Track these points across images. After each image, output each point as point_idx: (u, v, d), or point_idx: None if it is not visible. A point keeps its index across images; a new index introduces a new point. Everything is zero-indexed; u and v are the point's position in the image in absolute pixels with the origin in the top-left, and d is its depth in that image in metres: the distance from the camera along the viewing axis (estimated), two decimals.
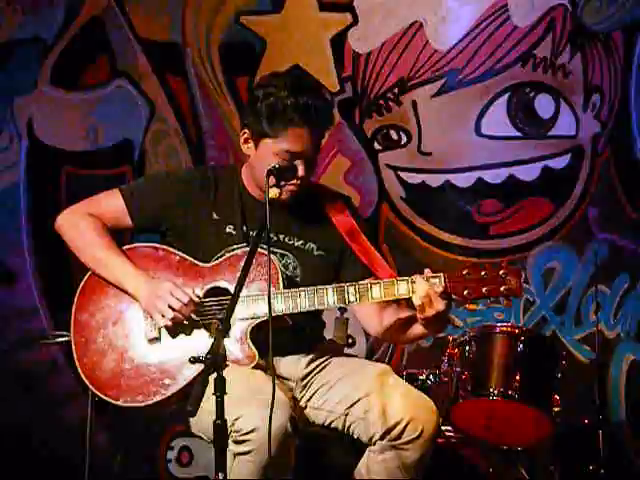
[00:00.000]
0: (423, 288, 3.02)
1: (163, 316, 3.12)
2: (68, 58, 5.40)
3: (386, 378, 3.16)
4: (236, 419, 2.91)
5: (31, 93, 5.38)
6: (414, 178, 5.26)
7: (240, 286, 2.80)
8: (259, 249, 2.98)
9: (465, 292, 3.03)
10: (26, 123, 5.38)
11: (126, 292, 3.20)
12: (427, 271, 3.08)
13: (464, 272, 3.04)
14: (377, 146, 5.28)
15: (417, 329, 3.20)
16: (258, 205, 3.17)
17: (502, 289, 3.02)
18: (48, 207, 5.30)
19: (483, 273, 3.03)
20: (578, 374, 4.46)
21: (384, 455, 3.07)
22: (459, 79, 5.17)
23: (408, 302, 3.12)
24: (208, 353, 2.58)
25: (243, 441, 2.92)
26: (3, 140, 5.37)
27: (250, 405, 2.90)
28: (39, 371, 5.30)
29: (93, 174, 5.39)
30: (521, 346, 4.03)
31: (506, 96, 5.16)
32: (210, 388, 2.58)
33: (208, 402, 2.57)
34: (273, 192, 3.05)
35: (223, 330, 2.66)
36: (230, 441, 2.92)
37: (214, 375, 2.58)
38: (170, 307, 3.11)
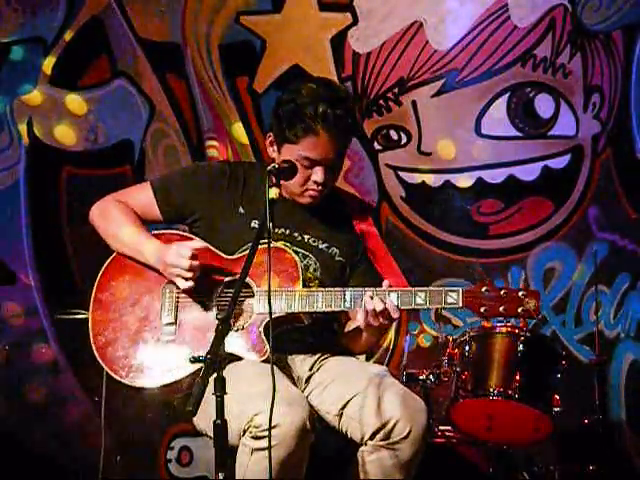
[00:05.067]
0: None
1: (179, 276, 3.14)
2: (68, 58, 5.40)
3: (381, 379, 3.15)
4: (256, 414, 2.91)
5: (31, 93, 5.38)
6: (414, 178, 5.26)
7: (240, 285, 2.81)
8: (279, 246, 3.04)
9: (482, 309, 3.04)
10: (26, 123, 5.38)
11: (147, 262, 3.23)
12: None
13: (483, 289, 3.04)
14: (377, 146, 5.28)
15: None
16: (284, 203, 3.20)
17: (520, 310, 3.02)
18: (48, 207, 5.31)
19: (502, 292, 3.03)
20: (578, 374, 4.46)
21: (377, 454, 3.07)
22: (459, 79, 5.17)
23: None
24: (208, 353, 2.59)
25: (263, 437, 2.91)
26: (3, 140, 5.37)
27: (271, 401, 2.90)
28: (39, 372, 5.30)
29: (93, 174, 5.38)
30: (521, 346, 4.04)
31: (506, 96, 5.16)
32: (210, 388, 2.59)
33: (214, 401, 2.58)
34: (273, 192, 3.06)
35: (223, 330, 2.67)
36: (248, 437, 2.93)
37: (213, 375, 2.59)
38: (182, 256, 3.12)
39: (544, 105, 5.16)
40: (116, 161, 5.40)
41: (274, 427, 2.87)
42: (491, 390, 3.99)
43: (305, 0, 5.28)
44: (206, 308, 3.19)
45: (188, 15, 5.38)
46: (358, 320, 3.12)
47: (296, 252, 3.22)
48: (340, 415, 3.14)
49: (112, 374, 3.17)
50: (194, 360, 2.64)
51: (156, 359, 3.16)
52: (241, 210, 3.30)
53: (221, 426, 2.60)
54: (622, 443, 4.97)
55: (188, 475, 5.33)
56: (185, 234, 3.32)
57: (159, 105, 5.42)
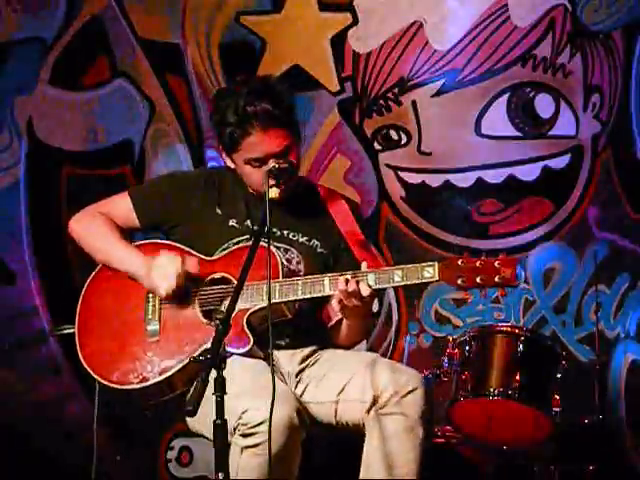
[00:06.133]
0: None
1: (163, 287, 3.18)
2: (68, 58, 5.40)
3: (374, 360, 3.17)
4: (244, 412, 2.92)
5: (31, 93, 5.38)
6: (414, 178, 5.26)
7: (241, 283, 2.83)
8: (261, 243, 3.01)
9: (459, 281, 3.02)
10: (26, 123, 5.38)
11: (133, 277, 3.28)
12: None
13: (459, 261, 3.03)
14: (377, 146, 5.28)
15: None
16: (261, 202, 3.19)
17: (496, 279, 3.00)
18: (48, 207, 5.31)
19: (478, 263, 3.02)
20: (578, 374, 4.46)
21: (383, 422, 3.04)
22: (459, 79, 5.17)
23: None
24: (208, 353, 2.59)
25: (251, 434, 2.92)
26: (3, 140, 5.37)
27: (258, 398, 2.90)
28: (39, 371, 5.30)
29: (93, 174, 5.39)
30: (521, 346, 4.04)
31: (506, 96, 5.16)
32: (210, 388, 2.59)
33: (209, 401, 2.58)
34: (274, 192, 3.08)
35: (223, 330, 2.67)
36: (237, 435, 2.94)
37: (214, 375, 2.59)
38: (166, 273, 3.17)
39: (544, 105, 5.16)
40: (116, 161, 5.41)
41: (261, 424, 2.88)
42: (491, 390, 3.99)
43: (305, 0, 5.28)
44: (189, 308, 3.23)
45: (188, 15, 5.38)
46: (333, 305, 3.13)
47: (277, 247, 3.24)
48: (337, 402, 3.14)
49: (102, 381, 3.20)
50: (194, 360, 2.65)
51: (142, 361, 3.19)
52: (218, 211, 3.34)
53: (221, 426, 2.60)
54: (622, 443, 4.97)
55: (188, 475, 5.33)
56: (169, 242, 3.36)
57: (159, 105, 5.42)
